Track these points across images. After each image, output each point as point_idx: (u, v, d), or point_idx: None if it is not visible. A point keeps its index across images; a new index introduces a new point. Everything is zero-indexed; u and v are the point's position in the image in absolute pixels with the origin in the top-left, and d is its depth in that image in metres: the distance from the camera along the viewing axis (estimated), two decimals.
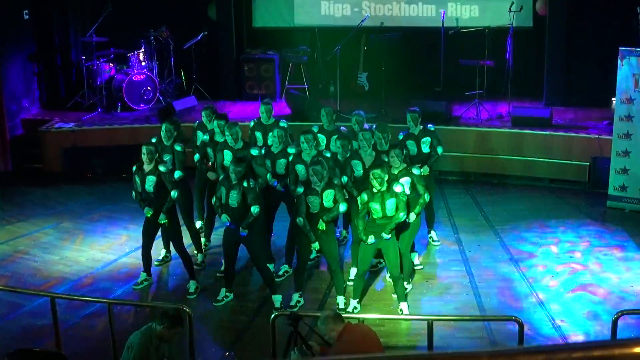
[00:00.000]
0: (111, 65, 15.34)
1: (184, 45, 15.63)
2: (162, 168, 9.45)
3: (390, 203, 8.70)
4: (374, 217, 8.78)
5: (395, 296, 9.16)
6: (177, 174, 9.89)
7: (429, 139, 10.32)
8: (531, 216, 11.93)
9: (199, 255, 10.40)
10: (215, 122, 10.40)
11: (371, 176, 8.66)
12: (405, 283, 9.34)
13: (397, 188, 8.72)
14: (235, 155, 9.66)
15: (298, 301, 9.16)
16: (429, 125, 10.48)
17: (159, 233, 9.90)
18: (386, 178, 8.67)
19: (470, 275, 9.97)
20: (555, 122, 13.62)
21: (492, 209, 12.27)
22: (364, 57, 15.85)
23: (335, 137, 10.16)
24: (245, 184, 8.96)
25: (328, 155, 9.70)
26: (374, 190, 8.69)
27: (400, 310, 8.95)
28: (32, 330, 8.80)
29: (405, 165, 9.27)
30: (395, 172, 9.19)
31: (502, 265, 10.27)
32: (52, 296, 8.19)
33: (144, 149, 9.48)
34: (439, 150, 10.32)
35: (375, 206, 8.73)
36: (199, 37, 15.61)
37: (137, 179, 9.50)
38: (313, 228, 8.94)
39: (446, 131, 13.63)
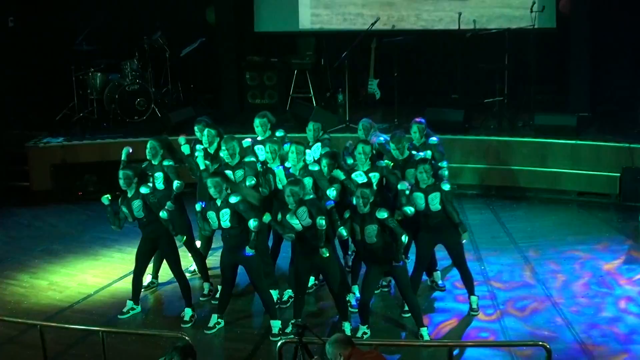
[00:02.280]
0: (102, 75, 15.38)
1: (180, 52, 15.68)
2: (143, 190, 9.43)
3: (370, 230, 8.64)
4: (357, 239, 8.82)
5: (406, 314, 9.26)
6: (176, 184, 9.94)
7: (429, 152, 10.20)
8: (558, 232, 11.88)
9: (206, 284, 10.29)
10: (206, 130, 10.35)
11: (358, 194, 8.66)
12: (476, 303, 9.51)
13: (381, 215, 8.65)
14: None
15: None
16: (432, 139, 10.34)
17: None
18: (372, 200, 8.65)
19: (493, 297, 9.92)
20: (582, 130, 13.59)
21: (515, 225, 12.23)
22: (375, 63, 15.86)
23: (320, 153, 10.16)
24: (232, 199, 8.91)
25: (316, 168, 9.66)
26: (359, 210, 8.69)
27: (421, 335, 8.92)
28: None
29: (434, 180, 9.25)
30: (424, 186, 9.19)
31: (527, 286, 10.21)
32: (41, 324, 8.17)
33: (120, 174, 9.46)
34: (444, 164, 10.14)
35: (356, 227, 8.76)
36: (196, 44, 15.66)
37: (125, 209, 9.50)
38: (304, 246, 8.95)
39: (464, 142, 13.65)
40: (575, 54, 14.67)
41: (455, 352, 8.41)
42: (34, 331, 8.29)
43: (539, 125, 13.69)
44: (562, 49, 15.11)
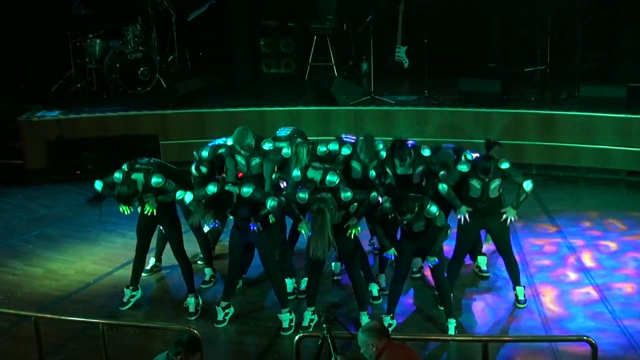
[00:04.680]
0: (102, 41, 15.40)
1: (188, 16, 15.68)
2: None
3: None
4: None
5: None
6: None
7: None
8: (605, 216, 11.85)
9: (207, 269, 10.30)
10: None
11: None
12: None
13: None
14: None
15: (312, 320, 9.11)
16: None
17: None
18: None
19: (532, 287, 9.92)
20: (633, 102, 13.52)
21: (558, 208, 12.21)
22: (403, 28, 15.81)
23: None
24: (245, 190, 8.95)
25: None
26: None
27: (447, 328, 8.94)
28: (12, 356, 8.86)
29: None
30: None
31: (570, 275, 10.20)
32: (36, 316, 8.23)
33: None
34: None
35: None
36: (205, 7, 15.65)
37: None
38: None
39: (502, 115, 13.61)
40: (626, 17, 14.54)
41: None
42: (28, 323, 8.35)
43: (585, 97, 13.61)
44: (612, 12, 14.99)
